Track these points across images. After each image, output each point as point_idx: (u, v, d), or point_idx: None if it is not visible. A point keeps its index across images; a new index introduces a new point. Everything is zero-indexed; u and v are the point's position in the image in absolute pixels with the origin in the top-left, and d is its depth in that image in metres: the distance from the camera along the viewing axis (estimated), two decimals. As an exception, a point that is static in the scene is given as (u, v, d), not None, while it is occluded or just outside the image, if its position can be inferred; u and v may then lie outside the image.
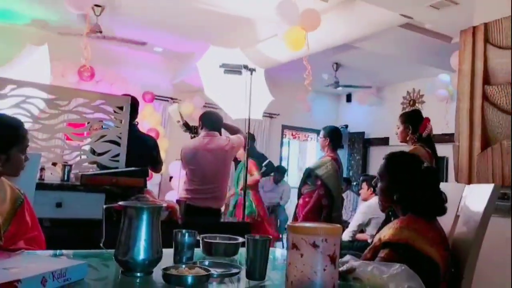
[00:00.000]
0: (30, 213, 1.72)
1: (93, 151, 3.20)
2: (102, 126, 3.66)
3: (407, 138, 3.14)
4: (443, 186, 2.18)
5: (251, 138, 6.18)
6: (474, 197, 1.88)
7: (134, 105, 3.47)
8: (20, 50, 4.64)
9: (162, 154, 5.81)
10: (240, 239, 1.63)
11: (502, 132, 2.85)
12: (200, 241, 1.59)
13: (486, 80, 2.98)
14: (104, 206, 1.41)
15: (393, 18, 4.05)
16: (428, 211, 1.70)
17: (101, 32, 4.74)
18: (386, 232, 1.62)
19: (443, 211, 1.75)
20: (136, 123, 3.55)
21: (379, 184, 1.91)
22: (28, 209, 1.71)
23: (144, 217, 1.26)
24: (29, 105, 2.92)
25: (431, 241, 1.56)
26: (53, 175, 3.07)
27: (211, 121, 3.50)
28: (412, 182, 1.76)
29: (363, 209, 4.12)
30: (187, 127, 3.67)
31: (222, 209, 4.16)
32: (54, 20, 5.37)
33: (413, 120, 3.05)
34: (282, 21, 4.24)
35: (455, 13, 3.58)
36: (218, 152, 3.39)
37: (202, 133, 3.47)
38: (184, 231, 1.48)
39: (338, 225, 1.20)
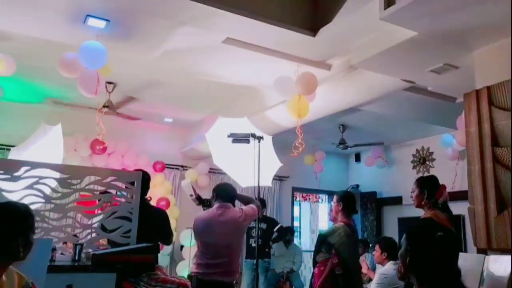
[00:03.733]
0: None
1: (102, 227, 3.19)
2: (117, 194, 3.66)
3: (422, 203, 3.11)
4: (462, 257, 2.12)
5: (262, 205, 6.12)
6: (496, 269, 1.82)
7: (145, 180, 3.50)
8: (35, 127, 4.79)
9: (173, 223, 5.78)
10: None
11: (516, 194, 2.81)
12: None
13: (495, 142, 2.98)
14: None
15: (396, 83, 4.15)
16: (441, 285, 1.62)
17: (113, 108, 4.89)
18: None
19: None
20: (148, 198, 3.56)
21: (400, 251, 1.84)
22: None
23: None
24: (42, 185, 2.96)
25: None
26: (64, 256, 3.04)
27: (225, 193, 3.50)
28: (424, 248, 1.70)
29: (379, 280, 3.96)
30: (200, 200, 3.67)
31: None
32: (67, 97, 5.58)
33: (429, 185, 3.03)
34: (281, 95, 4.43)
35: (457, 76, 3.66)
36: (231, 224, 3.36)
37: (216, 204, 3.45)
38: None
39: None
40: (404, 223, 7.32)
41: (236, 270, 3.47)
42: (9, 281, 1.63)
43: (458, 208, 3.90)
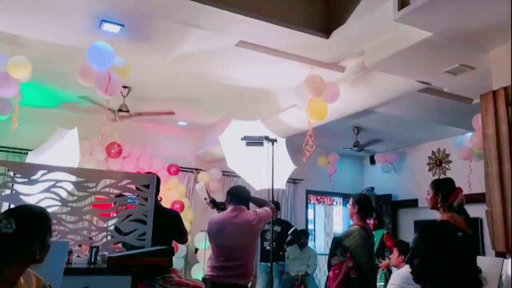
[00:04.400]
0: None
1: (118, 230, 3.22)
2: (127, 200, 3.70)
3: (438, 206, 3.07)
4: (481, 260, 2.08)
5: (276, 207, 6.10)
6: (515, 273, 1.79)
7: (156, 182, 3.53)
8: (52, 132, 4.86)
9: (187, 226, 5.80)
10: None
11: (536, 196, 2.75)
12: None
13: (513, 143, 2.93)
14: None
15: (411, 84, 4.10)
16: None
17: (128, 111, 4.93)
18: None
19: None
20: (159, 198, 3.59)
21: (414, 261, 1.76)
22: None
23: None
24: (59, 188, 3.00)
25: None
26: (80, 258, 3.07)
27: (239, 195, 3.50)
28: (439, 251, 1.65)
29: (395, 281, 3.92)
30: (214, 204, 3.68)
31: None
32: (83, 102, 5.65)
33: (444, 188, 2.99)
34: (300, 101, 4.50)
35: (473, 77, 3.60)
36: (245, 226, 3.35)
37: (230, 207, 3.46)
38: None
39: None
40: (421, 226, 7.22)
41: (251, 273, 3.47)
42: (27, 283, 1.65)
43: (475, 210, 3.84)
